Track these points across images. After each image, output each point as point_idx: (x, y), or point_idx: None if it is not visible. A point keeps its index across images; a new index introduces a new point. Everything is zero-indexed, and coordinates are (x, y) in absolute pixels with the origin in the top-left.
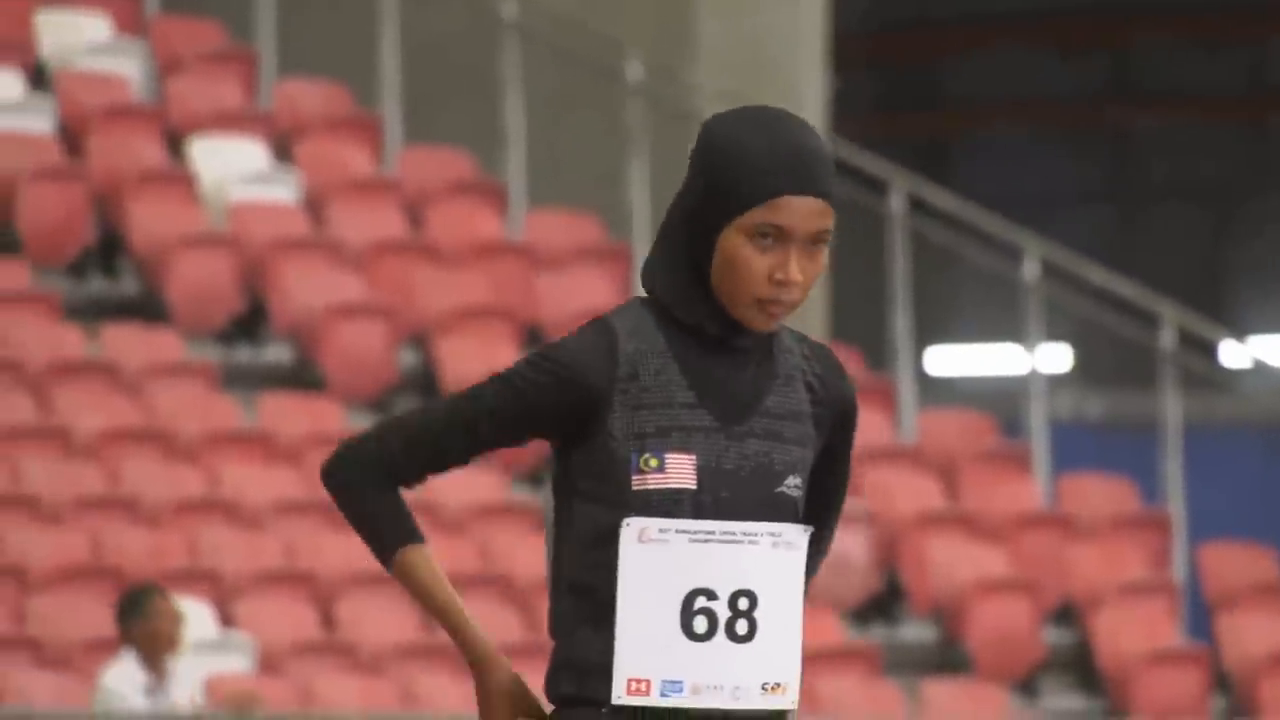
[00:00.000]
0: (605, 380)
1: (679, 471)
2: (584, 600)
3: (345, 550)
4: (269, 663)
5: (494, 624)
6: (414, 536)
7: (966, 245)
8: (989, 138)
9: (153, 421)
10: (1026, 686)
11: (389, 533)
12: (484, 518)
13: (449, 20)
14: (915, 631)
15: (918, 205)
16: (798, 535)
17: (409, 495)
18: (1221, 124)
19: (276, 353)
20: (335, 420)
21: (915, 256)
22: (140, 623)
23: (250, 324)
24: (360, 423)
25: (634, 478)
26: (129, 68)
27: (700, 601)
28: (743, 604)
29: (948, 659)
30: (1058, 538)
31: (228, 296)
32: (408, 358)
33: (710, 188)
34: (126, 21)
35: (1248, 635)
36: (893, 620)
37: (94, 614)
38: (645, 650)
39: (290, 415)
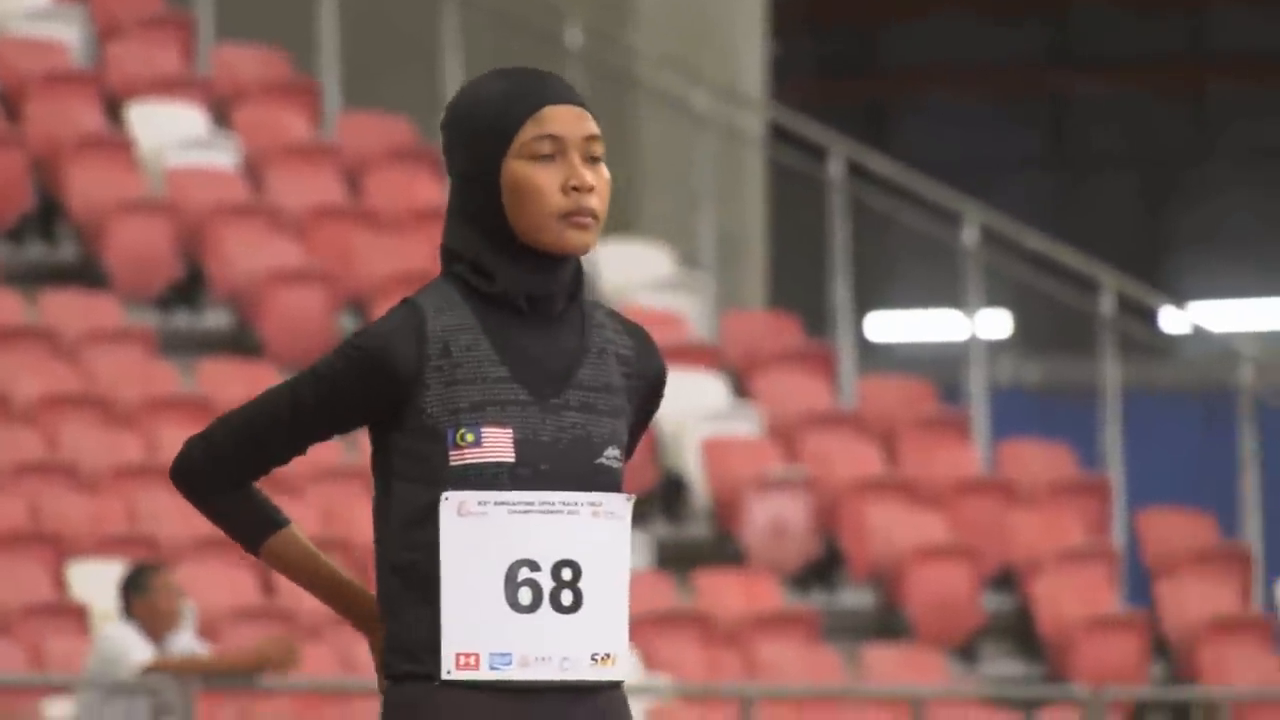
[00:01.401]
0: (415, 360)
1: (496, 445)
2: (408, 579)
3: (294, 517)
4: (208, 629)
5: None
6: (271, 526)
7: (906, 211)
8: (928, 103)
9: (91, 387)
10: (966, 652)
11: (245, 531)
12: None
13: None
14: (855, 597)
15: (857, 171)
16: (620, 505)
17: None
18: (1161, 91)
19: (215, 318)
20: (274, 384)
21: (855, 222)
22: (142, 599)
23: (189, 290)
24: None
25: (451, 453)
26: (67, 33)
27: (524, 573)
28: (566, 574)
29: (887, 624)
30: (997, 503)
31: (166, 262)
32: (347, 323)
33: (473, 141)
34: None
35: (1187, 601)
36: (832, 586)
37: (33, 580)
38: (471, 624)
39: (229, 380)
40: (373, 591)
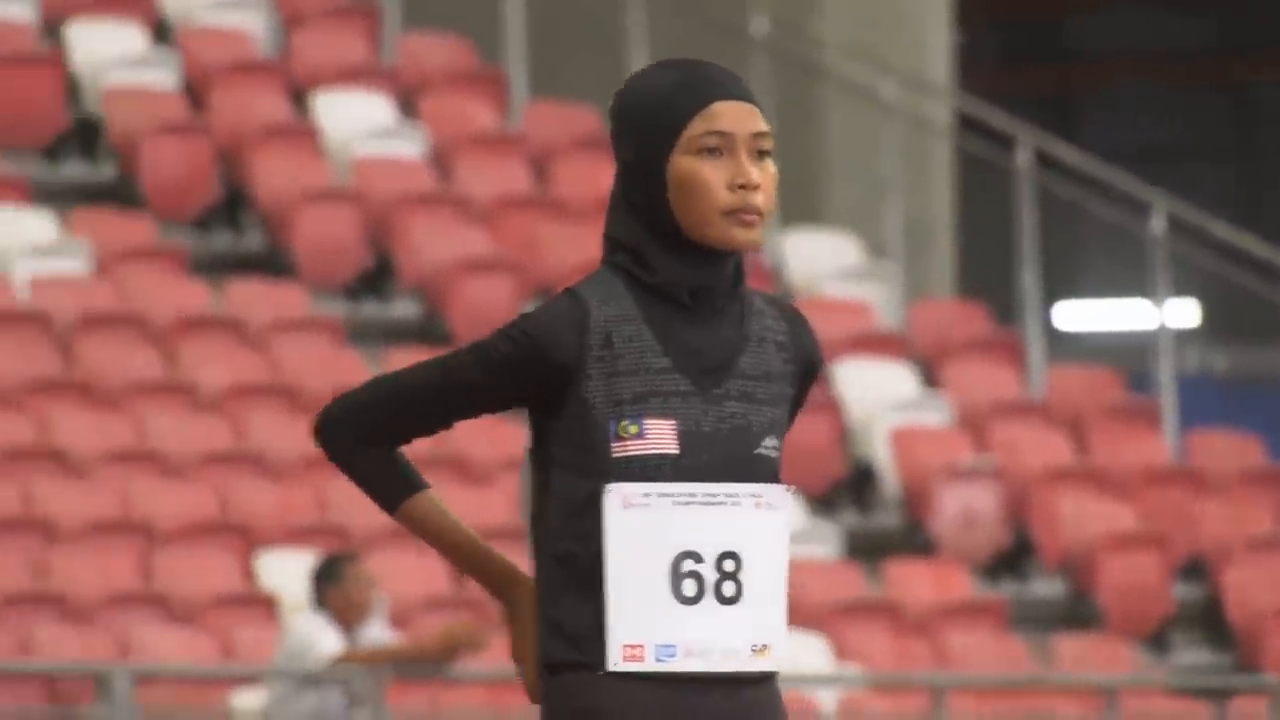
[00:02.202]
0: (576, 350)
1: (659, 437)
2: (569, 568)
3: (478, 506)
4: (400, 618)
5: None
6: (412, 488)
7: (1093, 200)
8: (1115, 91)
9: (278, 377)
10: (1155, 641)
11: (384, 491)
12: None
13: None
14: (1044, 586)
15: (1044, 160)
16: (780, 496)
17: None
18: None
19: (403, 308)
20: None
21: (1042, 211)
22: (335, 589)
23: (376, 279)
24: None
25: (613, 444)
26: (252, 22)
27: (687, 564)
28: (729, 566)
29: (1077, 614)
30: (1186, 492)
31: (353, 251)
32: None
33: (641, 133)
34: None
35: None
36: (1022, 575)
37: (222, 571)
38: (637, 616)
39: None
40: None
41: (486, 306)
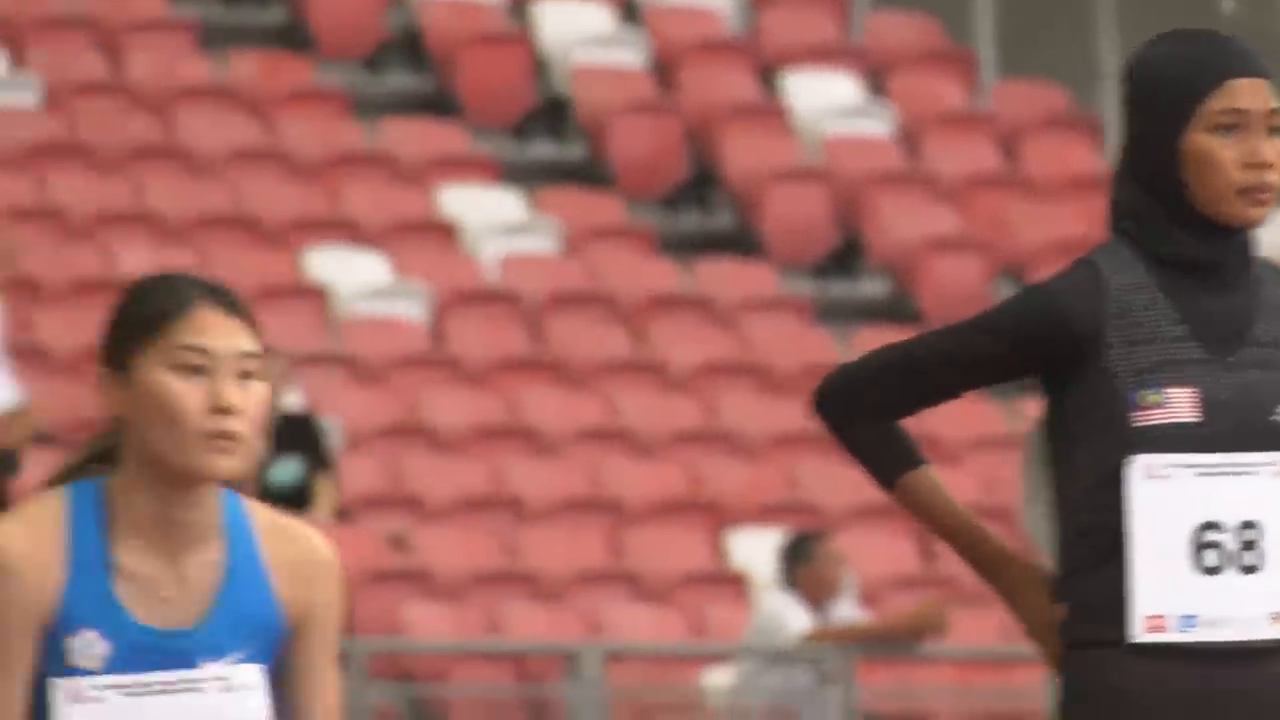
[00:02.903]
0: (1095, 318)
1: (1179, 405)
2: (1093, 541)
3: (948, 485)
4: (869, 596)
5: None
6: (909, 462)
7: None
8: None
9: (747, 355)
10: None
11: (885, 463)
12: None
13: None
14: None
15: None
16: None
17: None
18: None
19: (872, 286)
20: None
21: None
22: (805, 568)
23: (845, 258)
24: None
25: (1133, 414)
26: (721, 1)
27: (1209, 535)
28: (1249, 535)
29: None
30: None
31: (823, 230)
32: (1003, 290)
33: (1154, 106)
34: None
35: None
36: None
37: (692, 549)
38: (1160, 587)
39: None
40: (1010, 548)
41: (955, 285)
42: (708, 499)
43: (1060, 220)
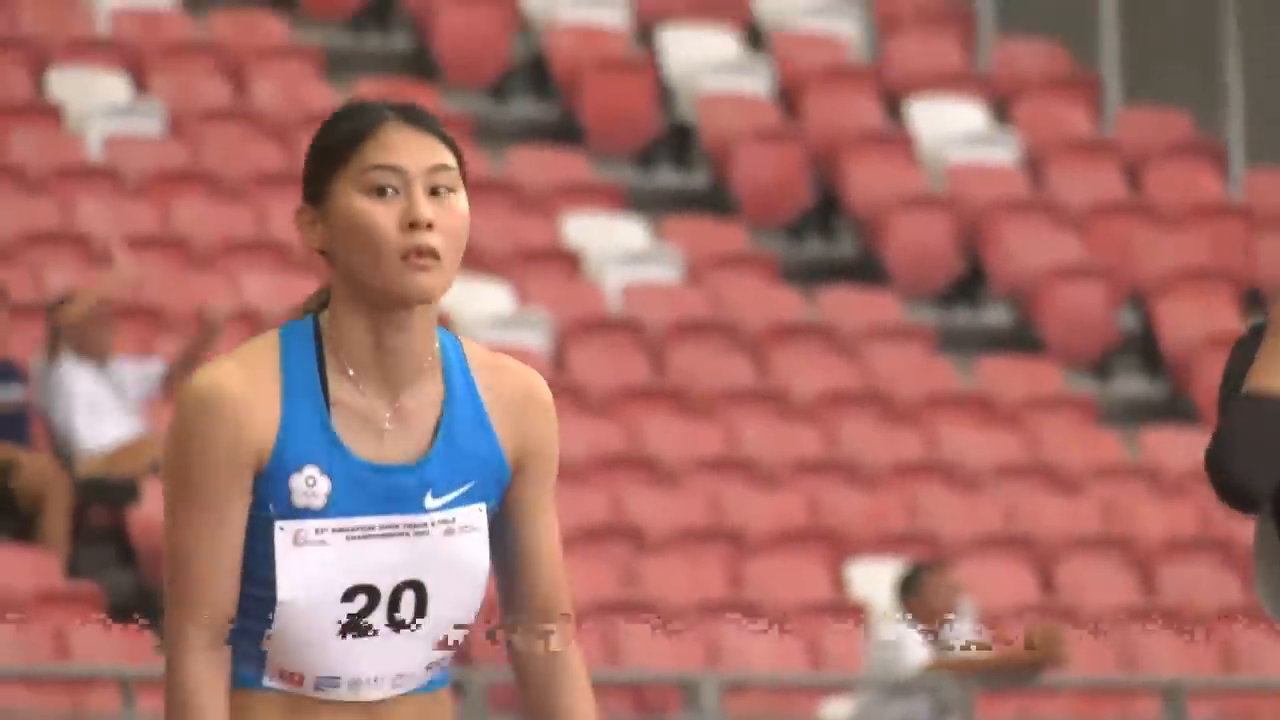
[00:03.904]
0: None
1: None
2: None
3: (1065, 513)
4: (988, 626)
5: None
6: None
7: None
8: None
9: (871, 383)
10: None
11: None
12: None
13: None
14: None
15: None
16: None
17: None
18: None
19: (995, 315)
20: (1055, 383)
21: None
22: (918, 599)
23: (969, 286)
24: (1080, 386)
25: None
26: (847, 28)
27: None
28: None
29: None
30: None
31: (946, 258)
32: (1127, 319)
33: None
34: None
35: None
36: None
37: (812, 578)
38: None
39: (1010, 377)
40: None
41: (1079, 313)
42: (828, 528)
43: (1185, 247)
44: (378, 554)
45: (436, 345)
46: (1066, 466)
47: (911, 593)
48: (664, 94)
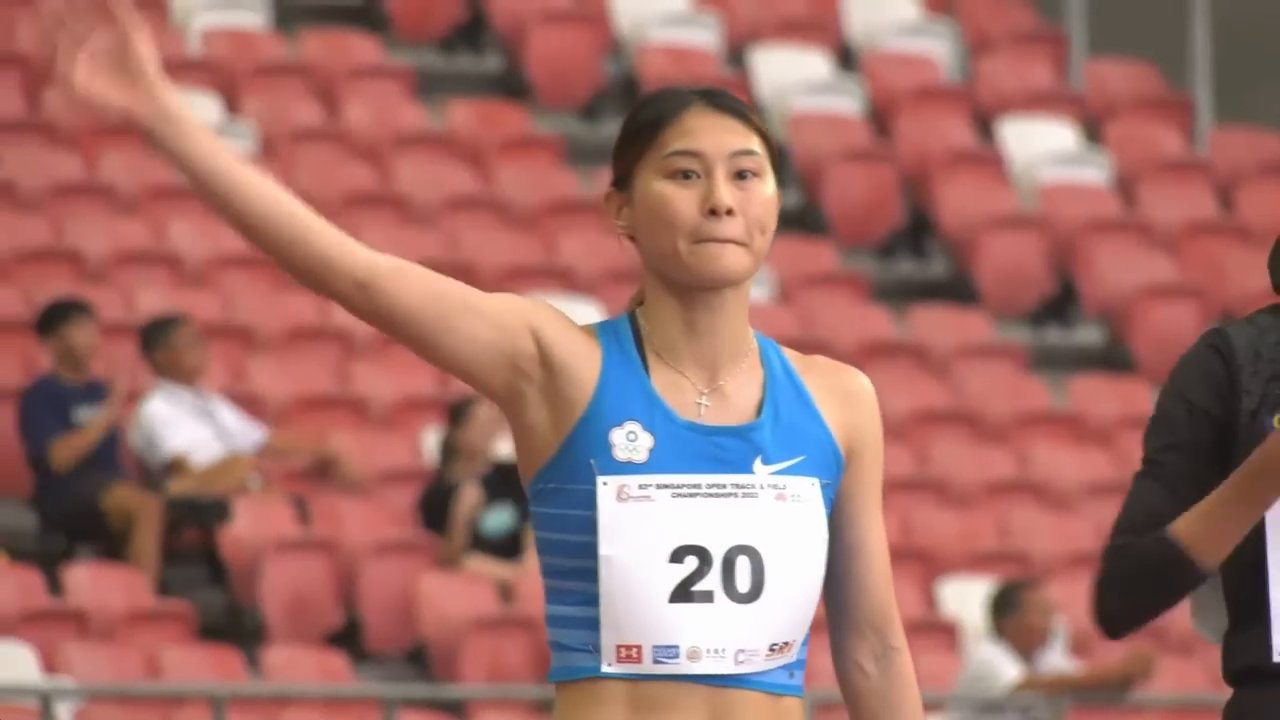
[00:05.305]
0: (1230, 383)
1: None
2: (1256, 577)
3: (1054, 531)
4: (1080, 645)
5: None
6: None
7: None
8: None
9: (962, 403)
10: None
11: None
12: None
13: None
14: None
15: None
16: None
17: None
18: None
19: (1087, 334)
20: (1146, 403)
21: None
22: (1012, 618)
23: (1060, 305)
24: None
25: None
26: (937, 48)
27: None
28: None
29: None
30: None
31: (1037, 278)
32: None
33: None
34: (936, 1)
35: None
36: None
37: (904, 597)
38: None
39: (1101, 398)
40: None
41: (1171, 333)
42: (920, 547)
43: None
44: (705, 513)
45: (751, 332)
46: (1059, 485)
47: (1007, 612)
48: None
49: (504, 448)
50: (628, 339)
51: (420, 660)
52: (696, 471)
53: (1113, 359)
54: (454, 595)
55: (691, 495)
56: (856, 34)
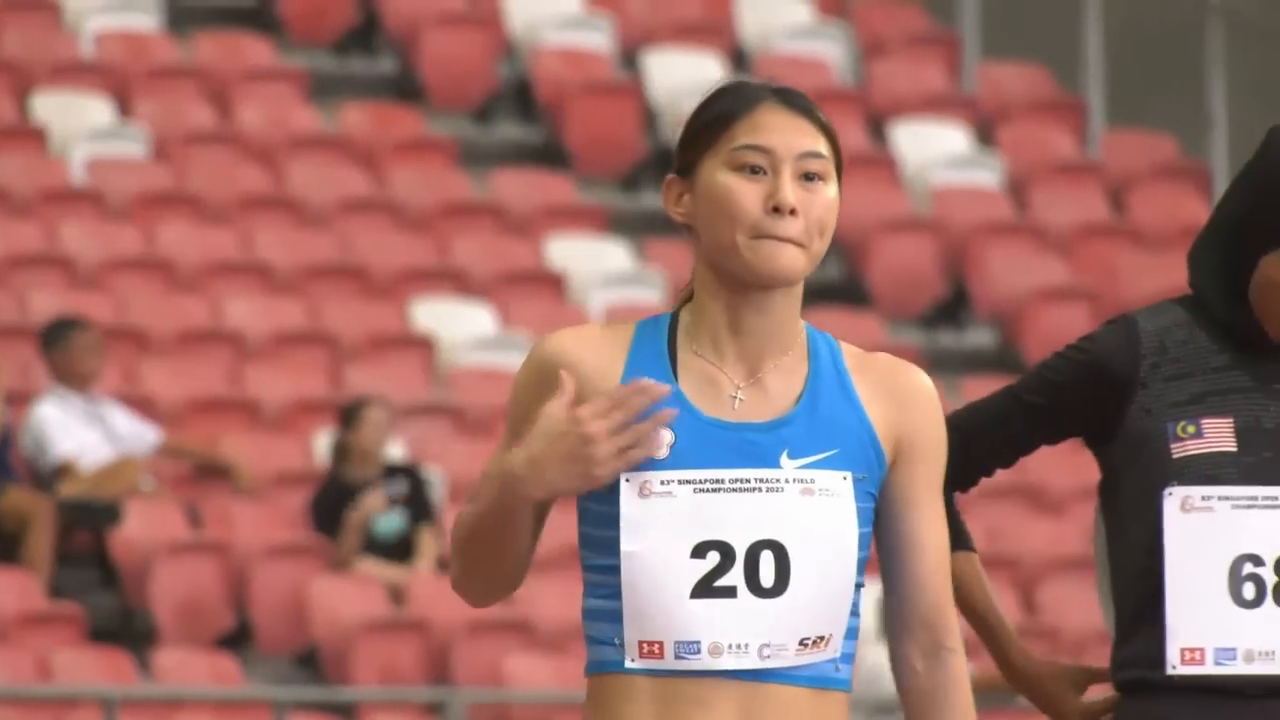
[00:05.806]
0: (1131, 361)
1: (1217, 435)
2: (1139, 588)
3: (1048, 535)
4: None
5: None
6: (956, 545)
7: None
8: None
9: None
10: None
11: None
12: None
13: (1152, 3)
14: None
15: None
16: None
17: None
18: None
19: (979, 337)
20: None
21: None
22: None
23: (952, 308)
24: None
25: (1173, 446)
26: (830, 51)
27: (1246, 568)
28: None
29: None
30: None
31: (930, 280)
32: None
33: (1263, 203)
34: (828, 4)
35: None
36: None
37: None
38: (1197, 619)
39: None
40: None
41: (1063, 336)
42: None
43: (1169, 270)
44: (728, 508)
45: (802, 330)
46: (1053, 488)
47: None
48: (648, 117)
49: (395, 450)
50: (661, 338)
51: (311, 663)
52: (720, 466)
53: (1005, 361)
54: (345, 598)
55: (714, 490)
56: (749, 36)
